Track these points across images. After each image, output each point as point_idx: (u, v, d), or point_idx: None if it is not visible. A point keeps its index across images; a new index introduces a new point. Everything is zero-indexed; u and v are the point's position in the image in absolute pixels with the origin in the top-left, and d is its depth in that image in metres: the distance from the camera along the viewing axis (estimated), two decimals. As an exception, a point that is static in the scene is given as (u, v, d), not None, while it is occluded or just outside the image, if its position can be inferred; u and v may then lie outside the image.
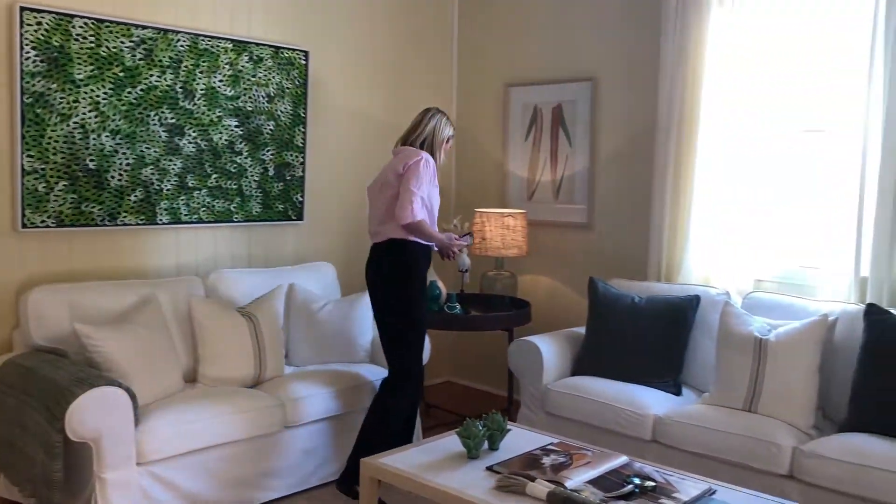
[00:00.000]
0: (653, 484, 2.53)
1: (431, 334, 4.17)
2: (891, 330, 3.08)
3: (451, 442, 2.91)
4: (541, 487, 2.44)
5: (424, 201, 3.37)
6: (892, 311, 3.19)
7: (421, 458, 2.79)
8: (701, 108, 4.00)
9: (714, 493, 2.52)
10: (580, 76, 4.61)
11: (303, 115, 4.42)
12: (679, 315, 3.70)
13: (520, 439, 2.93)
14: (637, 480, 2.53)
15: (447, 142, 3.60)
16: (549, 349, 3.83)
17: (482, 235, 4.52)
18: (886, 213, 3.44)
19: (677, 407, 3.44)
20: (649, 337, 3.69)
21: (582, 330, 4.06)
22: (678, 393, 3.62)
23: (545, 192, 4.83)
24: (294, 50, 4.36)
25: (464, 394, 5.19)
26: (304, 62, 4.40)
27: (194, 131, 3.99)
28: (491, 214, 4.52)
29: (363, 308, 4.03)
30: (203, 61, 3.99)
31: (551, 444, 2.90)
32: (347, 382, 3.74)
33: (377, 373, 3.87)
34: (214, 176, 4.10)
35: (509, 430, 2.87)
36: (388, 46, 4.90)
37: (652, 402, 3.47)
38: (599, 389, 3.60)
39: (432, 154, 3.49)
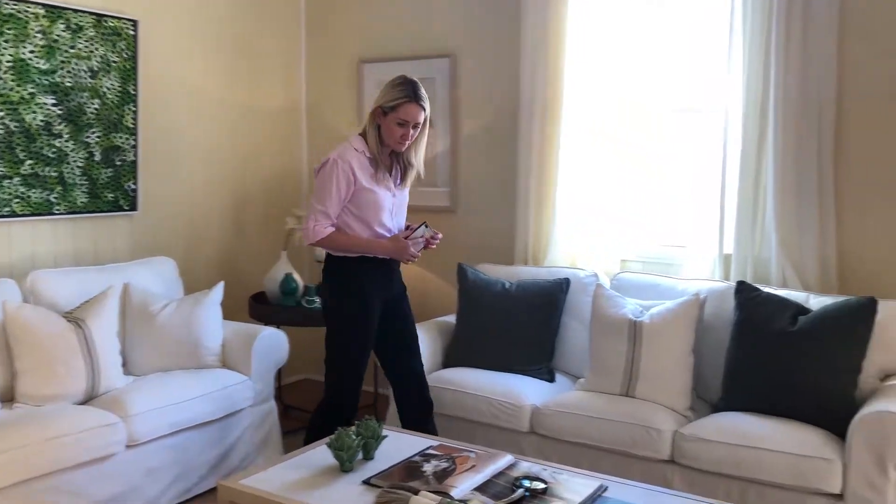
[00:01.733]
0: (543, 486, 2.35)
1: (288, 330, 3.84)
2: (761, 307, 3.07)
3: (320, 454, 2.61)
4: (425, 501, 2.20)
5: (330, 216, 2.97)
6: (761, 287, 3.19)
7: (287, 476, 2.48)
8: (564, 87, 3.89)
9: (605, 489, 2.38)
10: (438, 52, 4.38)
11: (133, 92, 3.93)
12: (550, 299, 3.57)
13: (396, 444, 2.68)
14: (527, 483, 2.35)
15: (385, 114, 2.94)
16: (420, 341, 3.60)
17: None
18: (748, 192, 3.46)
19: (554, 395, 3.31)
20: (521, 323, 3.55)
21: (451, 319, 3.87)
22: (552, 380, 3.50)
23: (405, 174, 4.58)
24: (120, 19, 3.85)
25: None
26: (132, 32, 3.90)
27: (0, 111, 3.43)
28: (349, 199, 4.22)
29: (210, 306, 3.63)
30: (8, 28, 3.43)
31: (430, 447, 2.67)
32: (195, 391, 3.34)
33: (229, 378, 3.50)
34: (29, 162, 3.55)
35: (385, 436, 2.61)
36: (229, 16, 4.47)
37: (528, 391, 3.33)
38: (473, 381, 3.42)
39: (375, 138, 2.99)
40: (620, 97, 3.84)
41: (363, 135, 3.04)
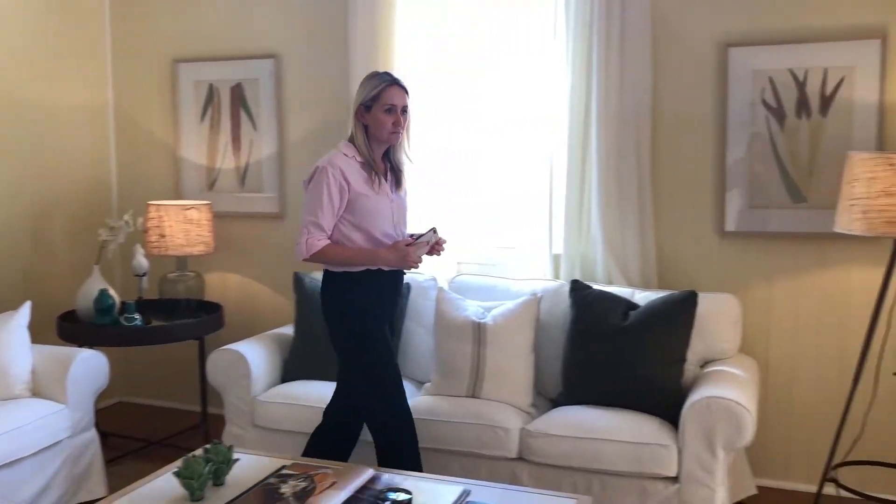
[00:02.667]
0: (408, 496, 2.32)
1: (101, 351, 3.53)
2: (595, 304, 3.23)
3: (166, 483, 2.41)
4: (291, 525, 2.10)
5: (323, 227, 2.75)
6: (593, 285, 3.36)
7: (131, 512, 2.27)
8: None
9: (469, 493, 2.40)
10: (261, 53, 4.22)
11: None
12: (390, 306, 3.54)
13: (247, 467, 2.53)
14: (392, 495, 2.31)
15: (369, 109, 2.77)
16: (256, 356, 3.45)
17: (160, 232, 3.93)
18: (574, 195, 3.62)
19: (402, 403, 3.28)
20: (363, 331, 3.49)
21: (287, 330, 3.73)
22: (396, 386, 3.48)
23: (229, 180, 4.36)
24: None
25: (144, 415, 4.54)
26: None
27: None
28: (170, 207, 3.95)
29: (16, 330, 3.26)
30: None
31: (285, 467, 2.55)
32: (2, 426, 2.98)
33: (42, 408, 3.16)
34: None
35: (237, 459, 2.46)
36: (21, 6, 4.03)
37: (374, 400, 3.28)
38: (317, 395, 3.31)
39: (364, 140, 2.81)
40: (453, 101, 3.88)
41: (351, 140, 2.84)
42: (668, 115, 3.54)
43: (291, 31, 4.16)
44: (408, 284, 3.61)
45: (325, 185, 2.73)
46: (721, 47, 3.46)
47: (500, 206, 3.90)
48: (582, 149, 3.60)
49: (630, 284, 3.51)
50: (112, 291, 3.80)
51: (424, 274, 3.75)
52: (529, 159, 3.78)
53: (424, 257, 2.86)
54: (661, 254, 3.57)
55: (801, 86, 3.37)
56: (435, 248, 2.90)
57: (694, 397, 2.86)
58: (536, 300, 3.33)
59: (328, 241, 2.77)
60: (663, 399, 3.02)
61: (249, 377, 3.37)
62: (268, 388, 3.44)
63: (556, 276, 3.70)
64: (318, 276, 3.76)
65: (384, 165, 2.90)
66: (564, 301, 3.43)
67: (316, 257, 2.77)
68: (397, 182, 2.93)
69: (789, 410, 3.46)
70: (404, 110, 2.82)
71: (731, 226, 3.51)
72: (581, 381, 3.18)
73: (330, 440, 2.98)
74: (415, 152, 3.76)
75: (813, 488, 3.28)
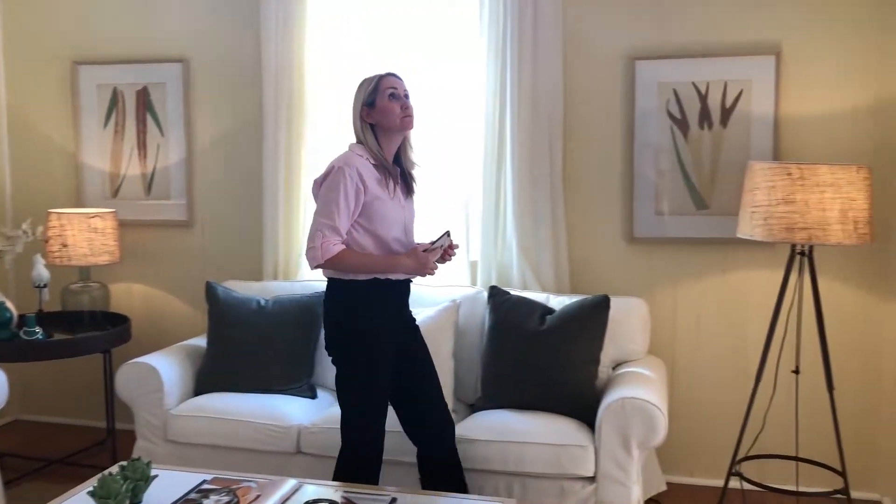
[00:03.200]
0: (336, 507, 2.30)
1: (2, 367, 3.35)
2: (513, 309, 3.29)
3: (80, 503, 2.31)
4: (217, 541, 2.05)
5: (339, 231, 2.59)
6: (511, 291, 3.42)
7: (42, 537, 2.16)
8: (307, 93, 3.84)
9: (396, 501, 2.40)
10: (169, 56, 4.10)
11: None
12: (309, 314, 3.50)
13: (165, 484, 2.45)
14: (321, 508, 2.29)
15: (372, 105, 2.66)
16: (169, 369, 3.34)
17: (63, 241, 3.76)
18: (490, 203, 3.68)
19: (321, 412, 3.25)
20: (280, 341, 3.44)
21: (200, 342, 3.63)
22: (314, 396, 3.44)
23: (134, 187, 4.21)
24: None
25: (43, 433, 4.31)
26: None
27: None
28: (72, 216, 3.79)
29: None
30: None
31: (205, 481, 2.49)
32: None
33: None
34: None
35: (155, 475, 2.38)
36: None
37: (292, 411, 3.24)
38: (233, 406, 3.24)
39: (374, 141, 2.68)
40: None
41: (361, 143, 2.72)
42: (579, 125, 3.65)
43: (200, 34, 4.06)
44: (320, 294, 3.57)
45: (342, 186, 2.57)
46: (629, 60, 3.59)
47: (419, 212, 3.90)
48: (497, 157, 3.66)
49: (544, 290, 3.59)
50: (9, 304, 3.60)
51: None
52: (446, 167, 3.80)
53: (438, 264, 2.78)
54: (573, 259, 3.67)
55: (703, 98, 3.54)
56: (447, 252, 2.78)
57: (609, 398, 2.95)
58: (455, 306, 3.37)
59: (343, 246, 2.61)
60: (579, 401, 3.10)
61: (162, 390, 3.27)
62: (181, 402, 3.35)
63: (474, 283, 3.75)
64: (234, 285, 3.71)
65: (395, 170, 2.76)
66: (482, 307, 3.48)
67: (331, 263, 2.60)
68: (407, 188, 2.80)
69: (695, 409, 3.62)
70: (407, 97, 2.71)
71: (638, 232, 3.64)
72: (500, 385, 3.22)
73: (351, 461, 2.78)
74: (327, 155, 3.76)
75: (718, 482, 3.44)
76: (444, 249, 2.76)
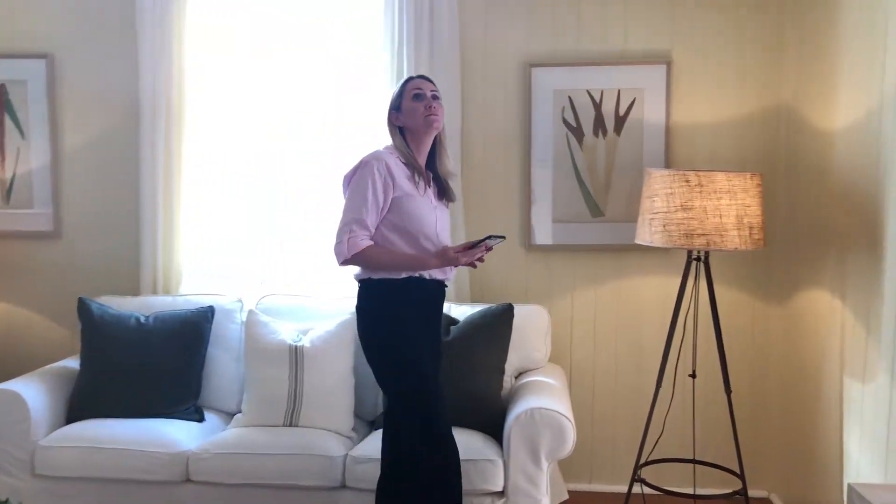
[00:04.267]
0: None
1: None
2: (416, 321, 3.17)
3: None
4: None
5: (367, 225, 2.50)
6: (412, 302, 3.30)
7: None
8: (186, 94, 3.60)
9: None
10: (32, 52, 3.73)
11: None
12: (194, 331, 3.27)
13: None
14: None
15: (400, 105, 2.63)
16: (35, 395, 3.03)
17: None
18: (387, 208, 3.56)
19: (210, 436, 3.03)
20: (162, 360, 3.19)
21: (71, 364, 3.32)
22: (201, 419, 3.21)
23: (-10, 195, 3.82)
24: None
25: None
26: None
27: None
28: (-83, 227, 3.38)
29: None
30: None
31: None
32: None
33: None
34: None
35: (4, 501, 2.12)
36: None
37: (179, 436, 3.00)
38: (111, 433, 2.98)
39: (402, 142, 2.63)
40: (258, 108, 3.66)
41: (392, 147, 2.66)
42: (476, 131, 3.59)
43: (68, 28, 3.72)
44: (210, 307, 3.35)
45: (371, 181, 2.51)
46: (525, 67, 3.56)
47: (309, 223, 3.73)
48: (394, 165, 3.55)
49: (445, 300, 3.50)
50: None
51: (228, 296, 3.50)
52: (338, 177, 3.63)
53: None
54: (473, 270, 3.59)
55: (597, 106, 3.56)
56: (481, 256, 2.64)
57: (517, 409, 2.89)
58: (353, 320, 3.22)
59: (371, 242, 2.52)
60: (486, 413, 3.03)
61: (28, 419, 2.96)
62: (51, 431, 3.03)
63: (370, 294, 3.61)
64: (109, 300, 3.43)
65: (427, 174, 2.68)
66: (380, 319, 3.35)
67: (357, 259, 2.52)
68: (442, 192, 2.71)
69: (594, 415, 3.63)
70: (435, 97, 2.64)
71: (536, 239, 3.62)
72: (403, 400, 3.10)
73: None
74: (218, 161, 3.54)
75: (617, 488, 3.45)
76: (484, 250, 2.62)
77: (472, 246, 2.60)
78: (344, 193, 2.63)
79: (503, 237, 2.63)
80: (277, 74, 3.64)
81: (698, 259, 3.15)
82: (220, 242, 3.70)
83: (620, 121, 3.55)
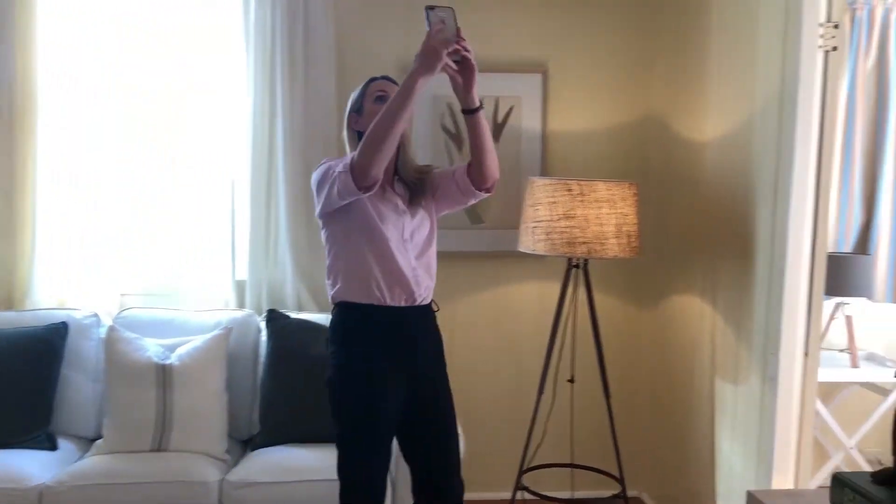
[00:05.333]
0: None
1: None
2: (295, 334, 3.04)
3: None
4: None
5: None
6: (291, 314, 3.15)
7: None
8: (39, 92, 3.27)
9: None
10: None
11: None
12: (45, 349, 2.98)
13: None
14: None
15: (360, 108, 2.37)
16: None
17: None
18: (260, 217, 3.39)
19: (67, 466, 2.75)
20: (8, 383, 2.88)
21: None
22: (53, 447, 2.91)
23: None
24: None
25: None
26: None
27: None
28: None
29: None
30: None
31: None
32: None
33: None
34: None
35: None
36: None
37: (30, 468, 2.71)
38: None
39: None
40: (114, 105, 3.38)
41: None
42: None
43: None
44: (64, 324, 3.06)
45: (334, 162, 2.27)
46: (402, 71, 3.48)
47: (173, 229, 3.49)
48: (268, 171, 3.39)
49: (322, 310, 3.36)
50: None
51: (82, 310, 3.21)
52: (208, 180, 3.43)
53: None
54: (350, 277, 3.48)
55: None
56: (460, 43, 2.14)
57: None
58: (227, 333, 3.03)
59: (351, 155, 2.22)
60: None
61: None
62: None
63: (242, 305, 3.42)
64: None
65: (391, 174, 2.37)
66: (255, 332, 3.19)
67: (362, 150, 2.14)
68: (413, 196, 2.39)
69: (475, 423, 3.59)
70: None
71: (415, 247, 3.55)
72: (282, 418, 2.95)
73: None
74: (69, 163, 3.25)
75: (498, 496, 3.44)
76: (449, 30, 2.11)
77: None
78: (316, 192, 2.30)
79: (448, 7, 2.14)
80: (133, 73, 3.38)
81: (577, 266, 3.19)
82: (72, 250, 3.37)
83: (499, 128, 3.55)
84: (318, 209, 2.32)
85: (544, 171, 3.57)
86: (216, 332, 3.02)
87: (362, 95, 2.40)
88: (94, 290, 3.39)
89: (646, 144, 3.62)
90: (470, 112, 2.26)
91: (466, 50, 2.16)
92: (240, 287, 3.43)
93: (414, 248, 2.35)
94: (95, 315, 3.18)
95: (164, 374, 2.86)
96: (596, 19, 3.55)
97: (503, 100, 3.53)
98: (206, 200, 3.44)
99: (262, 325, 3.18)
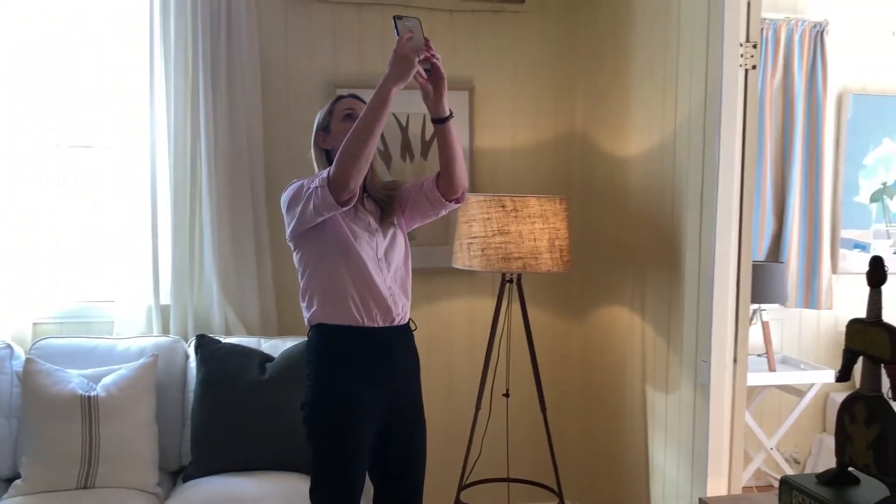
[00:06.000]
0: None
1: None
2: (227, 359, 2.93)
3: None
4: None
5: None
6: (221, 339, 3.05)
7: None
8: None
9: None
10: None
11: None
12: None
13: None
14: None
15: (328, 126, 2.37)
16: None
17: None
18: (183, 239, 3.27)
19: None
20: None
21: None
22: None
23: None
24: None
25: None
26: None
27: None
28: None
29: None
30: None
31: None
32: None
33: None
34: None
35: None
36: None
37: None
38: None
39: (325, 166, 2.27)
40: (24, 126, 3.21)
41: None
42: (281, 154, 3.42)
43: None
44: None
45: (304, 180, 2.25)
46: (330, 88, 3.45)
47: (90, 252, 3.33)
48: (190, 192, 3.27)
49: (251, 333, 3.28)
50: None
51: (-6, 341, 3.02)
52: (127, 200, 3.29)
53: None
54: (280, 299, 3.41)
55: (403, 129, 3.53)
56: (429, 51, 2.16)
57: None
58: (154, 361, 2.91)
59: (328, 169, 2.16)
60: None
61: None
62: None
63: (166, 331, 3.29)
64: None
65: (361, 192, 2.33)
66: (182, 358, 3.07)
67: (338, 163, 2.11)
68: (384, 213, 2.37)
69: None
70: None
71: (345, 265, 3.50)
72: (216, 446, 2.84)
73: None
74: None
75: (441, 513, 3.43)
76: (417, 39, 2.12)
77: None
78: (287, 212, 2.28)
79: (414, 18, 2.19)
80: (45, 91, 3.22)
81: (511, 281, 3.22)
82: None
83: (427, 145, 3.55)
84: (289, 230, 2.28)
85: (473, 187, 3.59)
86: (143, 360, 2.89)
87: (329, 114, 2.38)
88: (4, 318, 3.20)
89: (571, 160, 3.69)
90: (441, 121, 2.27)
91: (436, 57, 2.17)
92: (164, 312, 3.30)
93: (389, 268, 2.33)
94: (8, 346, 3.00)
95: (89, 407, 2.71)
96: (520, 38, 3.62)
97: (430, 116, 3.53)
98: (124, 222, 3.29)
99: (190, 350, 3.07)
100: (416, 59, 2.11)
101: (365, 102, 2.25)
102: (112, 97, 3.27)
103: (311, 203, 2.16)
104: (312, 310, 2.30)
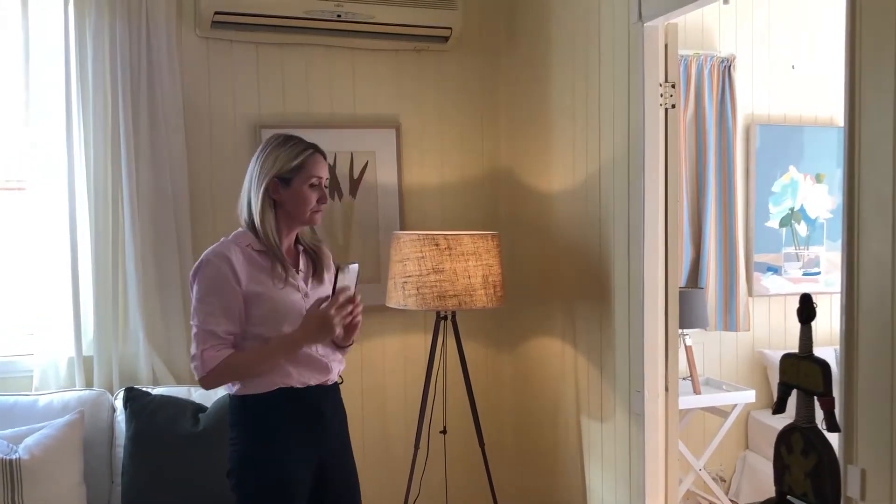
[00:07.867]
0: None
1: None
2: (158, 411, 2.83)
3: None
4: None
5: (218, 334, 2.09)
6: (151, 390, 2.95)
7: None
8: None
9: None
10: None
11: None
12: None
13: None
14: None
15: (288, 182, 2.20)
16: None
17: None
18: (106, 287, 3.15)
19: None
20: None
21: None
22: None
23: None
24: None
25: None
26: None
27: None
28: None
29: None
30: None
31: None
32: None
33: None
34: None
35: None
36: None
37: None
38: None
39: (272, 223, 2.20)
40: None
41: (251, 226, 2.20)
42: (206, 194, 3.36)
43: None
44: None
45: (211, 282, 2.13)
46: (255, 128, 3.42)
47: (5, 302, 3.18)
48: (112, 237, 3.17)
49: (180, 383, 3.18)
50: None
51: None
52: (44, 249, 3.15)
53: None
54: (210, 344, 3.32)
55: (331, 169, 3.52)
56: (353, 308, 2.20)
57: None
58: (81, 418, 2.79)
59: (230, 350, 2.11)
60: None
61: None
62: None
63: (90, 384, 3.16)
64: None
65: (296, 249, 2.30)
66: (107, 412, 2.96)
67: (215, 373, 2.10)
68: (315, 268, 2.30)
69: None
70: (326, 186, 2.28)
71: (276, 307, 3.45)
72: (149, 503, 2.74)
73: None
74: None
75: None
76: (349, 296, 2.17)
77: (325, 299, 2.17)
78: (191, 293, 2.20)
79: (355, 263, 2.25)
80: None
81: (445, 318, 3.23)
82: None
83: (355, 183, 3.55)
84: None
85: (403, 226, 3.60)
86: (68, 416, 2.76)
87: (297, 169, 2.20)
88: None
89: (499, 195, 3.75)
90: (341, 348, 2.36)
91: (356, 315, 2.23)
92: (86, 364, 3.17)
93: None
94: (-84, 409, 2.83)
95: (10, 472, 2.56)
96: (443, 74, 3.66)
97: (358, 154, 3.55)
98: (42, 269, 3.15)
99: (118, 403, 2.95)
100: (340, 327, 2.16)
101: (325, 157, 2.28)
102: (29, 138, 3.14)
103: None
104: (237, 386, 2.20)
